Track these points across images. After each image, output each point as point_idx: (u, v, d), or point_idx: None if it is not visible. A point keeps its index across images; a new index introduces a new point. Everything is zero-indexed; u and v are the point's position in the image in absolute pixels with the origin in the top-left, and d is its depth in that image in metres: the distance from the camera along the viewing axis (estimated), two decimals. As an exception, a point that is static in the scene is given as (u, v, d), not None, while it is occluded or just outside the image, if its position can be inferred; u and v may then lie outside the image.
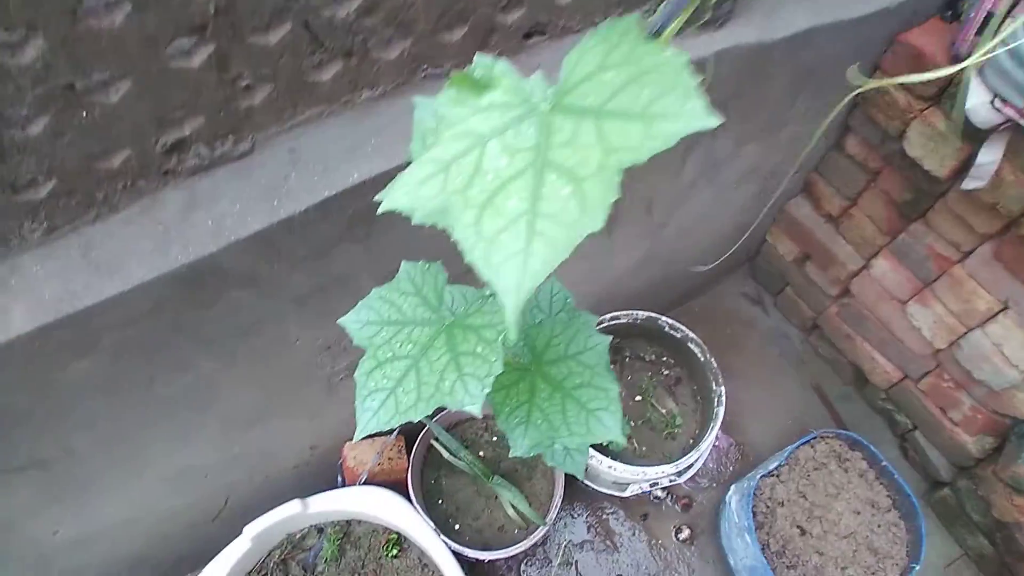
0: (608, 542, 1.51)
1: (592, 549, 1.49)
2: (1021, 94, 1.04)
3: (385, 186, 0.38)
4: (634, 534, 1.52)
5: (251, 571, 1.24)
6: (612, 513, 1.54)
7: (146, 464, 0.94)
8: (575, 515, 1.53)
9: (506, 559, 1.46)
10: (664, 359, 1.49)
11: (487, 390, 0.41)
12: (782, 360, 1.80)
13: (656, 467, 1.23)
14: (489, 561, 1.35)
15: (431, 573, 1.26)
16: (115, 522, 1.05)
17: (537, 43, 0.86)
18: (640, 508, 1.55)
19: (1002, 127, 1.12)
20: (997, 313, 1.31)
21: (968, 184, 1.22)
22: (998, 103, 1.08)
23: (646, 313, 1.42)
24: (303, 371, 0.98)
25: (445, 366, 0.43)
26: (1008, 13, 1.06)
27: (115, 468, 0.91)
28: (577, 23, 0.88)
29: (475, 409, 0.41)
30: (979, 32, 1.11)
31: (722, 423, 1.63)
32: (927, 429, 1.60)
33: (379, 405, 0.44)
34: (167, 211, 0.68)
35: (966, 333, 1.38)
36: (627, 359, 1.48)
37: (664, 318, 1.41)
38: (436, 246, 0.54)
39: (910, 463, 1.67)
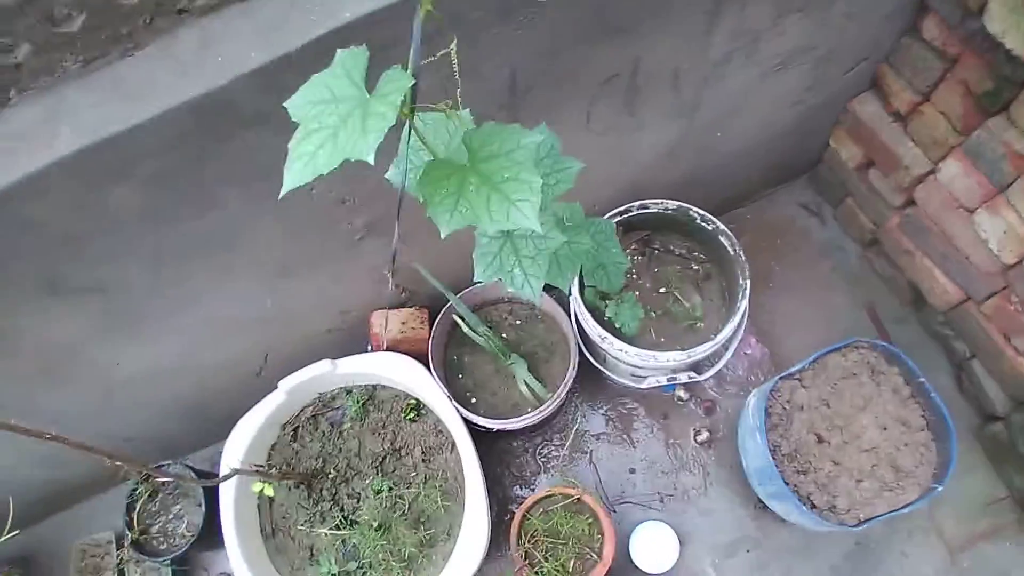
0: (625, 436, 1.59)
1: (608, 441, 1.58)
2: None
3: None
4: (652, 432, 1.59)
5: (285, 423, 1.43)
6: (633, 409, 1.61)
7: (192, 302, 1.10)
8: (596, 408, 1.62)
9: (524, 439, 1.59)
10: (695, 254, 1.50)
11: (380, 139, 0.49)
12: (835, 275, 1.75)
13: (666, 352, 1.28)
14: (501, 432, 1.48)
15: (444, 438, 1.40)
16: (169, 365, 1.24)
17: None
18: (662, 408, 1.61)
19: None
20: (1081, 219, 1.22)
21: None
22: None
23: (677, 203, 1.43)
24: (323, 224, 1.10)
25: (353, 129, 0.51)
26: None
27: (164, 303, 1.08)
28: None
29: (368, 156, 0.49)
30: None
31: (759, 333, 1.65)
32: (987, 358, 1.53)
33: (304, 161, 0.52)
34: (183, 47, 0.79)
35: (1040, 242, 1.30)
36: (656, 251, 1.50)
37: (696, 209, 1.42)
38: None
39: (964, 395, 1.61)
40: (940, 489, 1.24)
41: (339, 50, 0.54)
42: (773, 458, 1.27)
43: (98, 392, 1.24)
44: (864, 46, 1.44)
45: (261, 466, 1.30)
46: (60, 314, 0.99)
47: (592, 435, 1.59)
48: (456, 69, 0.59)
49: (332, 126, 0.52)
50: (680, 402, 1.61)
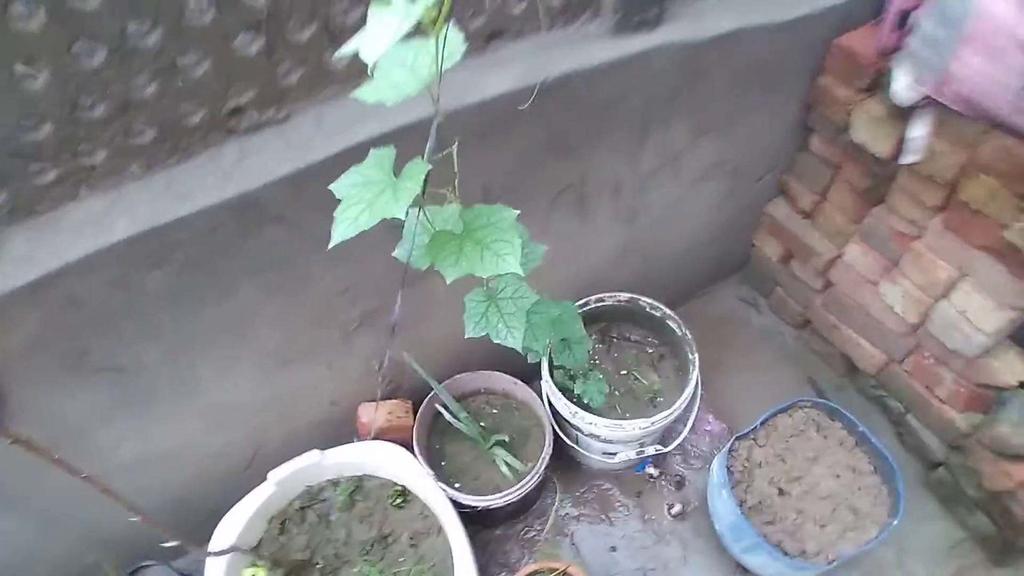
0: (603, 516, 1.66)
1: (588, 522, 1.65)
2: (932, 73, 1.30)
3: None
4: (628, 510, 1.67)
5: (272, 517, 1.47)
6: (608, 490, 1.70)
7: (196, 387, 1.21)
8: (573, 492, 1.70)
9: (506, 527, 1.64)
10: (648, 339, 1.70)
11: (409, 203, 0.68)
12: (777, 355, 1.97)
13: (631, 421, 1.42)
14: (484, 522, 1.54)
15: (431, 522, 1.46)
16: (167, 450, 1.30)
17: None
18: (635, 486, 1.71)
19: (923, 104, 1.37)
20: (956, 281, 1.49)
21: (906, 158, 1.45)
22: (915, 83, 1.33)
23: (628, 294, 1.65)
24: (323, 312, 1.25)
25: (387, 199, 0.70)
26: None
27: (172, 388, 1.19)
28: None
29: (400, 214, 0.67)
30: (898, 26, 1.39)
31: (717, 411, 1.81)
32: (917, 410, 1.72)
33: (349, 222, 0.70)
34: (226, 158, 1.00)
35: (934, 304, 1.55)
36: (614, 340, 1.69)
37: (644, 299, 1.64)
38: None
39: (906, 448, 1.78)
40: (895, 522, 1.36)
41: (372, 149, 0.75)
42: (740, 511, 1.38)
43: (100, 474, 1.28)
44: (768, 160, 1.78)
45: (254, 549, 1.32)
46: (77, 392, 1.08)
47: (572, 517, 1.66)
48: (456, 164, 0.80)
49: (368, 199, 0.71)
50: (651, 480, 1.72)
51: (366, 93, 0.69)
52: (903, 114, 1.42)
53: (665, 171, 1.57)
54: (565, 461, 1.71)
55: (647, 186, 1.58)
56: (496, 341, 0.96)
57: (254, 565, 1.26)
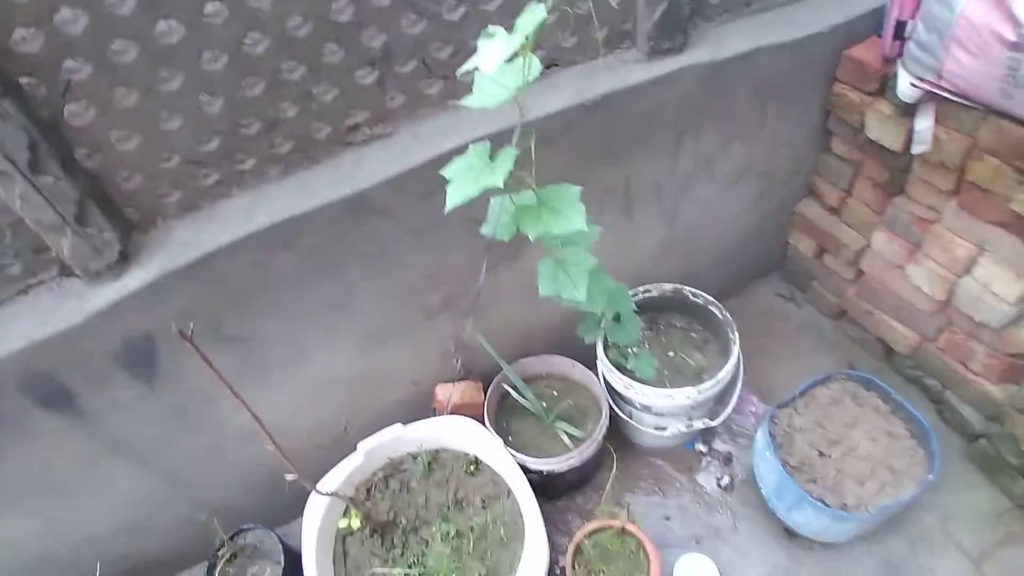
0: (657, 488, 1.83)
1: (643, 494, 1.82)
2: (929, 72, 1.50)
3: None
4: (680, 483, 1.83)
5: (359, 484, 1.70)
6: (661, 466, 1.87)
7: (302, 357, 1.47)
8: (629, 468, 1.88)
9: (567, 499, 1.82)
10: (693, 325, 1.88)
11: (505, 175, 0.92)
12: (816, 345, 2.12)
13: (680, 390, 1.61)
14: (546, 493, 1.73)
15: (501, 487, 1.66)
16: (273, 421, 1.55)
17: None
18: (686, 462, 1.87)
19: (924, 99, 1.56)
20: (976, 257, 1.64)
21: (916, 148, 1.63)
22: (916, 82, 1.54)
23: (672, 285, 1.86)
24: (411, 295, 1.50)
25: (487, 174, 0.96)
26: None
27: (284, 357, 1.44)
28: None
29: (499, 182, 0.91)
30: (897, 36, 1.60)
31: (760, 394, 1.97)
32: (954, 385, 1.84)
33: (459, 192, 0.95)
34: (345, 164, 1.28)
35: (958, 280, 1.69)
36: (662, 327, 1.89)
37: (687, 288, 1.84)
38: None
39: (947, 423, 1.89)
40: (932, 478, 1.49)
41: (471, 144, 1.01)
42: (784, 470, 1.53)
43: (206, 445, 1.52)
44: (794, 162, 1.99)
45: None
46: (216, 355, 1.35)
47: (628, 490, 1.83)
48: (533, 153, 1.04)
49: (472, 177, 0.97)
50: (701, 456, 1.88)
51: (471, 102, 0.94)
52: (909, 110, 1.62)
53: (699, 175, 1.79)
54: (621, 440, 1.88)
55: (684, 188, 1.80)
56: (564, 297, 1.18)
57: (349, 514, 1.48)
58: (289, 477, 1.25)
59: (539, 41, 1.36)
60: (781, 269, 2.32)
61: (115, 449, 1.38)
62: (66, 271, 1.18)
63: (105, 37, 0.97)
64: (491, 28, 0.82)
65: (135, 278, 1.17)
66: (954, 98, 1.49)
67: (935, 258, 1.73)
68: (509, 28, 0.78)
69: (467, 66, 0.80)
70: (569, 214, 1.03)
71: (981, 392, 1.76)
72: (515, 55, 0.82)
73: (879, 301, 1.97)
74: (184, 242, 1.20)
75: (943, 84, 1.49)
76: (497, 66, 0.79)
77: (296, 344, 1.45)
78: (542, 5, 0.76)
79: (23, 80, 0.96)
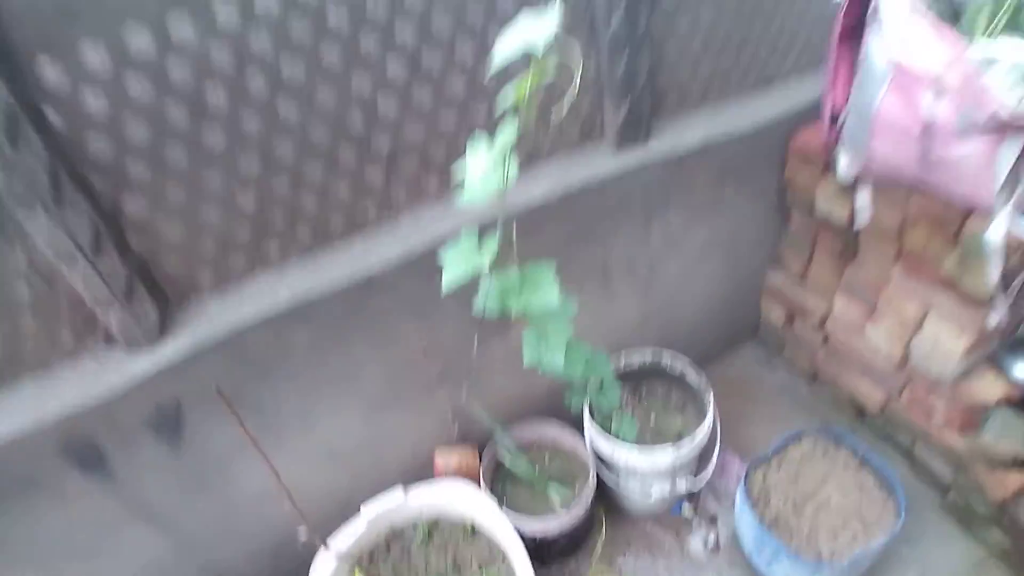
0: (647, 551, 1.91)
1: (633, 556, 1.90)
2: (861, 155, 1.75)
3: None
4: (669, 545, 1.91)
5: (362, 548, 1.78)
6: (650, 531, 1.96)
7: (314, 425, 1.61)
8: (619, 532, 1.96)
9: (560, 565, 1.90)
10: (672, 391, 2.04)
11: (491, 257, 1.12)
12: (793, 407, 2.27)
13: (661, 447, 1.74)
14: (539, 559, 1.81)
15: (497, 552, 1.75)
16: (275, 490, 1.68)
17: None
18: (674, 525, 1.96)
19: (860, 178, 1.81)
20: (924, 315, 1.83)
21: (859, 222, 1.87)
22: (852, 164, 1.79)
23: (651, 353, 2.03)
24: (412, 367, 1.66)
25: (476, 258, 1.16)
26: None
27: (296, 424, 1.58)
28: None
29: (485, 265, 1.11)
30: (832, 124, 1.87)
31: (742, 455, 2.10)
32: (922, 440, 1.98)
33: (453, 274, 1.15)
34: (355, 249, 1.48)
35: (911, 338, 1.88)
36: (643, 393, 2.04)
37: (666, 355, 2.02)
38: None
39: (920, 478, 2.00)
40: (901, 523, 1.60)
41: (463, 231, 1.22)
42: (761, 525, 1.64)
43: (219, 509, 1.62)
44: (758, 237, 2.22)
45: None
46: (229, 427, 1.49)
47: (618, 552, 1.91)
48: (514, 238, 1.24)
49: (464, 260, 1.17)
50: (688, 517, 1.97)
51: (463, 199, 1.15)
52: (850, 188, 1.86)
53: (669, 250, 2.01)
54: (612, 506, 1.99)
55: (656, 263, 2.02)
56: (545, 364, 1.35)
57: (357, 568, 1.57)
58: (301, 531, 1.37)
59: (521, 141, 1.61)
60: (757, 335, 2.51)
61: (137, 512, 1.49)
62: (110, 341, 1.35)
63: (163, 144, 1.20)
64: (476, 136, 1.05)
65: (170, 348, 1.34)
66: (883, 176, 1.74)
67: (889, 319, 1.92)
68: (495, 132, 1.00)
69: (458, 173, 1.03)
70: (545, 290, 1.23)
71: (946, 445, 1.89)
72: (498, 159, 1.05)
73: (846, 362, 2.14)
74: (214, 317, 1.38)
75: (873, 166, 1.74)
76: (481, 174, 1.01)
77: (307, 411, 1.60)
78: (515, 123, 0.98)
79: (91, 177, 1.18)
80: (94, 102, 1.12)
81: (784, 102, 1.97)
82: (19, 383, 1.33)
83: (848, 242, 1.99)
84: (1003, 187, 1.47)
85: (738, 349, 2.49)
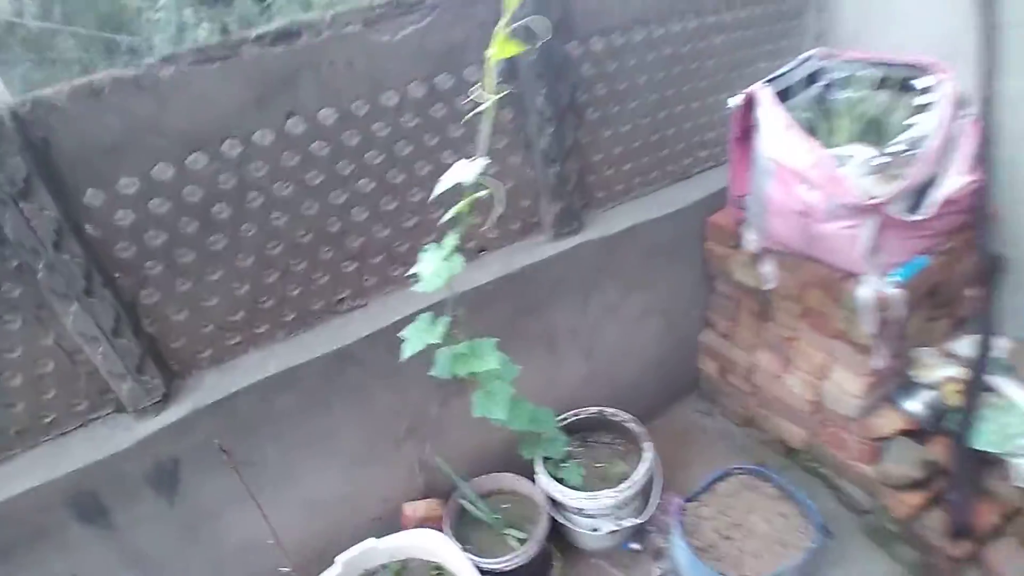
0: (600, 586, 2.13)
1: (588, 592, 2.11)
2: (761, 231, 2.10)
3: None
4: (620, 579, 2.14)
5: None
6: (602, 566, 2.18)
7: (297, 482, 1.84)
8: (573, 570, 2.18)
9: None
10: (616, 440, 2.30)
11: (443, 333, 1.40)
12: (731, 450, 2.53)
13: (602, 491, 1.99)
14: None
15: (463, 591, 1.95)
16: (260, 540, 1.88)
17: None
18: (622, 560, 2.19)
19: (763, 250, 2.16)
20: (829, 363, 2.14)
21: (767, 286, 2.20)
22: (755, 238, 2.14)
23: (596, 407, 2.31)
24: (382, 426, 1.92)
25: (431, 334, 1.45)
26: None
27: (280, 479, 1.82)
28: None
29: (437, 338, 1.39)
30: (738, 206, 2.23)
31: (684, 495, 2.35)
32: (841, 472, 2.25)
33: (412, 346, 1.43)
34: (332, 327, 1.77)
35: (821, 383, 2.18)
36: (591, 443, 2.31)
37: (608, 409, 2.29)
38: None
39: (844, 506, 2.26)
40: (814, 546, 1.85)
41: (421, 314, 1.52)
42: (693, 553, 1.88)
43: (209, 559, 1.81)
44: (688, 303, 2.54)
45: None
46: (220, 480, 1.71)
47: (574, 589, 2.13)
48: (462, 320, 1.54)
49: (421, 336, 1.47)
50: (635, 553, 2.20)
51: (420, 287, 1.46)
52: (757, 258, 2.21)
53: (607, 319, 2.32)
54: (566, 545, 2.21)
55: (596, 330, 2.32)
56: (492, 417, 1.63)
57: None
58: (285, 571, 1.58)
59: (470, 235, 1.94)
60: (698, 388, 2.80)
61: (133, 563, 1.69)
62: (120, 408, 1.60)
63: (175, 248, 1.50)
64: (428, 241, 1.37)
65: (172, 414, 1.59)
66: (779, 248, 2.09)
67: (802, 367, 2.23)
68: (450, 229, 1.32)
69: (413, 270, 1.34)
70: (488, 358, 1.53)
71: (860, 474, 2.17)
72: (446, 257, 1.37)
73: (772, 408, 2.43)
74: (211, 386, 1.65)
75: (772, 240, 2.09)
76: (432, 269, 1.33)
77: (291, 466, 1.83)
78: (456, 230, 1.31)
79: (116, 275, 1.47)
80: (124, 218, 1.42)
81: (700, 189, 2.34)
82: (38, 445, 1.57)
83: (763, 304, 2.32)
84: (866, 255, 1.82)
85: (682, 401, 2.77)
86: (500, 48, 1.22)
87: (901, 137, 1.83)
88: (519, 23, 1.43)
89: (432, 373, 1.63)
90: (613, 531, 2.09)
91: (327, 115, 1.59)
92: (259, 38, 1.42)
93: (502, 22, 1.23)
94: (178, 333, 1.61)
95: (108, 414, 1.61)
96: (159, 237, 1.47)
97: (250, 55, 1.42)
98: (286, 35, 1.44)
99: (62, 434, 1.58)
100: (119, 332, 1.48)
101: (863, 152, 1.82)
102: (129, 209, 1.42)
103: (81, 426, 1.60)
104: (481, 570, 1.94)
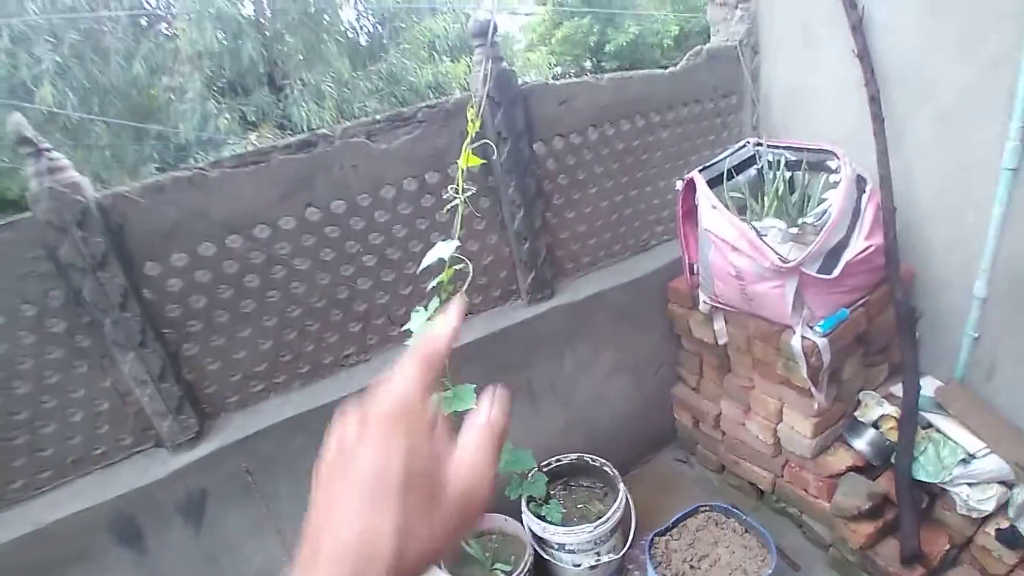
0: (584, 619, 2.29)
1: (572, 625, 2.28)
2: (709, 292, 2.43)
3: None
4: (602, 613, 2.31)
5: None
6: (586, 602, 2.36)
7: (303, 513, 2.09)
8: (560, 607, 2.36)
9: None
10: (595, 483, 2.53)
11: None
12: (706, 494, 2.74)
13: (580, 526, 2.21)
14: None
15: (455, 621, 2.15)
16: (278, 569, 2.11)
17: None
18: (606, 595, 2.37)
19: (714, 309, 2.47)
20: (781, 408, 2.40)
21: (720, 341, 2.50)
22: (706, 299, 2.46)
23: (576, 453, 2.56)
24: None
25: None
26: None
27: (291, 511, 2.07)
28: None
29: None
30: (690, 272, 2.57)
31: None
32: (806, 509, 2.44)
33: None
34: (340, 378, 2.09)
35: (776, 427, 2.43)
36: (572, 486, 2.54)
37: (588, 456, 2.54)
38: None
39: (810, 541, 2.44)
40: (771, 572, 2.04)
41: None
42: (661, 580, 2.09)
43: None
44: (658, 359, 2.83)
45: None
46: (241, 510, 1.98)
47: (559, 622, 2.30)
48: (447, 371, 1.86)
49: None
50: (618, 589, 2.38)
51: (411, 343, 1.80)
52: (710, 316, 2.52)
53: (581, 374, 2.62)
54: (549, 578, 2.40)
55: (572, 384, 2.61)
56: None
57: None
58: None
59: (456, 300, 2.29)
60: (675, 439, 3.03)
61: (162, 588, 1.94)
62: (159, 443, 1.90)
63: (213, 310, 1.86)
64: (418, 306, 1.73)
65: (203, 449, 1.89)
66: (726, 307, 2.41)
67: (760, 413, 2.49)
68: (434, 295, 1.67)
69: (407, 327, 1.68)
70: (467, 399, 1.83)
71: (820, 510, 2.36)
72: (430, 318, 1.71)
73: (740, 453, 2.66)
74: (237, 426, 1.95)
75: (718, 300, 2.41)
76: (421, 327, 1.67)
77: (301, 502, 2.09)
78: (439, 296, 1.66)
79: (165, 331, 1.82)
80: (174, 285, 1.80)
81: (659, 259, 2.69)
82: (89, 474, 1.86)
83: (721, 357, 2.61)
84: (793, 310, 2.13)
85: (662, 450, 3.00)
86: (465, 160, 1.62)
87: (814, 210, 2.20)
88: (478, 143, 1.84)
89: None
90: (593, 566, 2.29)
91: (338, 205, 1.99)
92: (285, 147, 1.84)
93: (466, 141, 1.64)
94: (211, 380, 1.93)
95: (149, 448, 1.91)
96: (201, 301, 1.84)
97: (277, 160, 1.84)
98: (305, 145, 1.87)
99: (109, 464, 1.88)
100: (164, 378, 1.81)
101: (780, 224, 2.17)
102: (178, 278, 1.79)
103: (125, 458, 1.90)
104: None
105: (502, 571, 2.27)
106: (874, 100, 2.25)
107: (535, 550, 2.32)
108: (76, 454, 1.84)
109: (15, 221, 1.61)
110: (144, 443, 1.92)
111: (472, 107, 1.91)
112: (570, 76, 8.02)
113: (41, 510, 1.77)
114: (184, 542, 1.93)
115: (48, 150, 1.58)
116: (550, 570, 2.41)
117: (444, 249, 1.69)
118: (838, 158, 2.24)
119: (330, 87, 8.56)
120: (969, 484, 2.12)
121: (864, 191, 2.21)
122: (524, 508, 2.35)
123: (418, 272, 2.08)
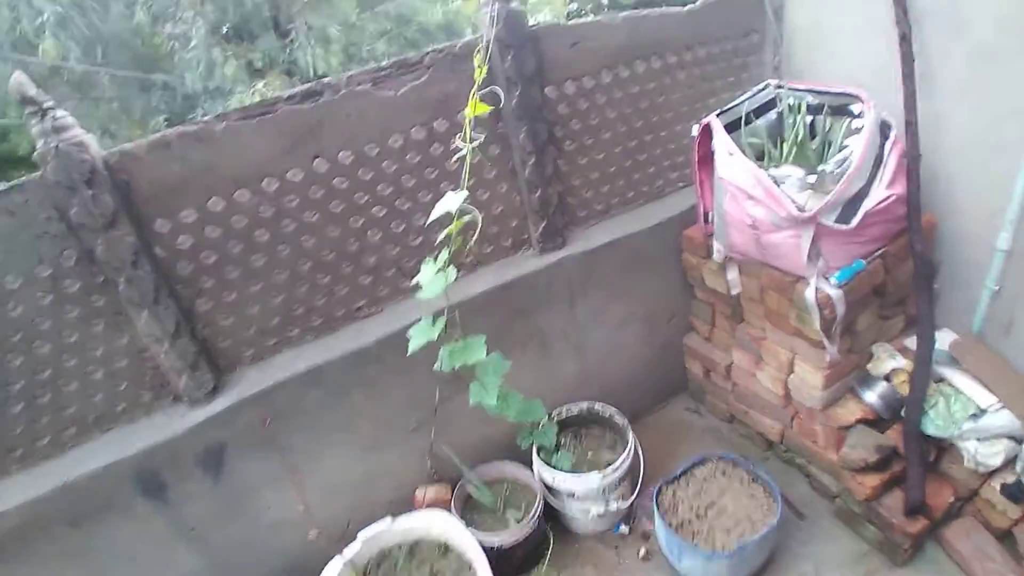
0: (589, 565, 2.38)
1: (579, 567, 2.36)
2: (724, 242, 2.40)
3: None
4: (609, 558, 2.39)
5: (358, 567, 2.26)
6: (593, 546, 2.44)
7: (320, 464, 2.16)
8: (568, 551, 2.44)
9: (518, 567, 2.36)
10: (605, 432, 2.58)
11: (440, 331, 1.73)
12: (716, 443, 2.78)
13: (588, 473, 2.26)
14: (501, 559, 2.28)
15: (465, 564, 2.23)
16: (293, 517, 2.20)
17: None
18: (613, 541, 2.44)
19: (728, 259, 2.44)
20: (792, 359, 2.39)
21: (733, 291, 2.48)
22: (720, 248, 2.43)
23: (587, 403, 2.59)
24: (395, 416, 2.24)
25: (431, 334, 1.78)
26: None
27: (306, 463, 2.14)
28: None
29: (434, 336, 1.71)
30: (705, 221, 2.52)
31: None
32: (813, 460, 2.48)
33: (416, 343, 1.76)
34: (352, 330, 2.11)
35: (787, 378, 2.43)
36: (583, 435, 2.59)
37: (598, 405, 2.57)
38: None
39: (816, 492, 2.48)
40: (776, 521, 2.09)
41: (422, 317, 1.85)
42: (670, 528, 2.14)
43: (246, 535, 2.13)
44: (671, 308, 2.82)
45: None
46: (259, 460, 2.04)
47: (566, 566, 2.38)
48: (458, 321, 1.86)
49: (423, 335, 1.80)
50: (624, 536, 2.45)
51: (422, 295, 1.79)
52: (724, 266, 2.49)
53: (593, 323, 2.62)
54: (561, 530, 2.47)
55: (584, 333, 2.62)
56: (483, 404, 1.93)
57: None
58: (312, 533, 1.89)
59: (468, 251, 2.28)
60: (687, 388, 3.06)
61: (181, 533, 2.03)
62: (177, 399, 1.95)
63: (224, 266, 1.86)
64: (427, 257, 1.72)
65: (219, 404, 1.94)
66: (740, 257, 2.37)
67: (771, 364, 2.49)
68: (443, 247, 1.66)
69: (415, 280, 1.67)
70: (477, 350, 1.85)
71: (828, 461, 2.40)
72: (440, 269, 1.71)
73: (750, 403, 2.68)
74: (252, 381, 1.99)
75: (733, 250, 2.38)
76: (430, 279, 1.66)
77: (316, 452, 2.16)
78: (448, 248, 1.64)
79: (177, 287, 1.83)
80: (184, 242, 1.80)
81: (673, 207, 2.64)
82: (112, 430, 1.92)
83: (734, 307, 2.60)
84: (808, 261, 2.09)
85: (673, 400, 3.03)
86: (473, 108, 1.57)
87: (835, 157, 2.13)
88: (486, 90, 1.78)
89: (436, 368, 1.94)
90: (602, 513, 2.35)
91: (345, 156, 1.96)
92: (290, 97, 1.80)
93: (474, 88, 1.58)
94: (225, 335, 1.96)
95: (167, 404, 1.97)
96: (212, 256, 1.84)
97: (283, 111, 1.80)
98: (311, 94, 1.82)
99: (130, 421, 1.94)
100: (179, 334, 1.84)
101: (798, 172, 2.11)
102: (188, 235, 1.79)
103: (145, 415, 1.95)
104: (484, 546, 2.23)
105: (513, 518, 2.34)
106: (904, 39, 2.14)
107: (545, 497, 2.39)
108: (98, 411, 1.89)
109: (26, 182, 1.61)
110: (163, 399, 1.97)
111: (479, 51, 1.84)
112: (585, 15, 7.71)
113: (68, 466, 1.84)
114: (204, 492, 2.00)
115: (52, 108, 1.56)
116: (560, 520, 2.48)
117: (452, 201, 1.66)
118: (862, 102, 2.15)
119: (336, 30, 8.30)
120: (978, 439, 2.12)
121: (888, 137, 2.13)
122: (535, 456, 2.41)
123: (427, 225, 2.07)
